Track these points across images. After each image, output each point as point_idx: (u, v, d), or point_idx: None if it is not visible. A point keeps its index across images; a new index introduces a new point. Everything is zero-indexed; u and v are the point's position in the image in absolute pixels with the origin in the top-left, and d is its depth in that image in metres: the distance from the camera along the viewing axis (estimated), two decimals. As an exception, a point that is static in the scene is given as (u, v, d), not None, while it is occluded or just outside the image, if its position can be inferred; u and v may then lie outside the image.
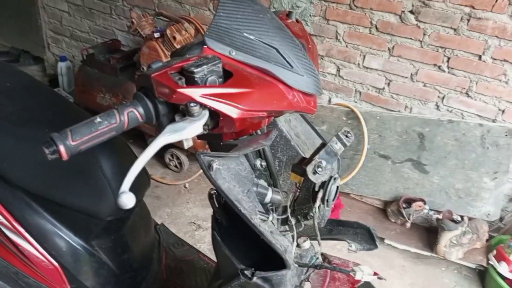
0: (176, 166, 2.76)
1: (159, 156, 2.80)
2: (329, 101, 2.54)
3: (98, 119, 0.62)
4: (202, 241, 2.26)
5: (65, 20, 3.45)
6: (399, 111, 2.36)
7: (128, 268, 1.34)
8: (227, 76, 0.71)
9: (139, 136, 2.84)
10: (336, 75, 2.46)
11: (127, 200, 0.59)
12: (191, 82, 0.67)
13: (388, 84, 2.33)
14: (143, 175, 1.30)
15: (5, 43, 4.16)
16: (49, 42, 3.71)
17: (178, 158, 2.70)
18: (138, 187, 1.27)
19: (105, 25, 3.23)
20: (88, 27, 3.34)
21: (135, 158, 1.27)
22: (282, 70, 0.78)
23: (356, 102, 2.47)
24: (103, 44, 2.87)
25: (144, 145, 2.82)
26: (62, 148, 0.59)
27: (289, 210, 0.99)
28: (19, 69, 1.41)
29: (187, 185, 2.68)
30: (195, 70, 0.66)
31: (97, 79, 2.72)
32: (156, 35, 2.40)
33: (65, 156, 0.60)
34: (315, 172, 0.85)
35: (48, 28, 3.63)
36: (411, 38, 2.16)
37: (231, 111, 0.68)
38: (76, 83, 2.87)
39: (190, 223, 2.38)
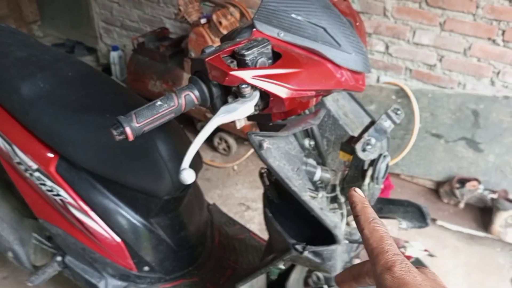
0: (224, 149, 2.82)
1: (208, 140, 2.88)
2: (378, 80, 2.49)
3: (159, 102, 0.67)
4: (252, 222, 2.32)
5: (115, 11, 3.58)
6: (452, 88, 2.28)
7: (185, 244, 1.42)
8: (276, 57, 0.74)
9: (188, 121, 2.93)
10: (384, 53, 2.40)
11: (188, 176, 0.64)
12: (242, 64, 0.70)
13: (440, 60, 2.25)
14: (197, 156, 1.35)
15: (60, 35, 4.39)
16: (101, 33, 3.87)
17: (226, 141, 2.77)
18: (193, 168, 1.32)
19: (153, 13, 3.32)
20: (137, 16, 3.45)
21: (188, 140, 1.34)
22: (330, 49, 0.79)
23: (406, 80, 2.41)
24: (152, 33, 2.96)
25: (193, 129, 2.90)
26: (128, 130, 0.64)
27: (338, 188, 1.01)
28: (78, 59, 1.50)
29: (235, 167, 2.75)
30: (245, 53, 0.69)
31: (148, 67, 2.82)
32: (203, 21, 2.44)
33: (131, 137, 0.65)
34: (364, 150, 0.86)
35: (100, 19, 3.78)
36: (463, 11, 2.07)
37: (280, 91, 0.71)
38: (129, 71, 2.98)
39: (240, 204, 2.45)
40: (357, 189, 0.49)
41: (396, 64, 2.39)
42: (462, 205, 2.23)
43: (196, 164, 1.34)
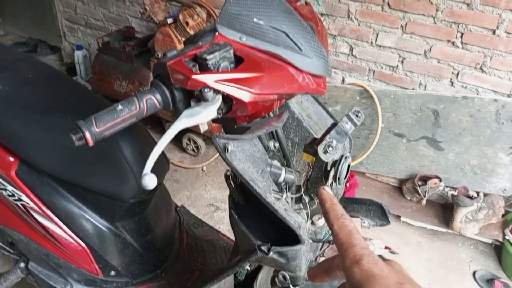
0: (193, 150, 2.81)
1: (177, 141, 2.86)
2: (343, 81, 2.55)
3: (120, 107, 0.67)
4: (221, 222, 2.33)
5: (79, 9, 3.50)
6: (413, 89, 2.36)
7: (151, 247, 1.41)
8: (238, 61, 0.74)
9: (156, 122, 2.90)
10: (349, 55, 2.45)
11: (150, 181, 0.64)
12: (204, 68, 0.70)
13: (402, 62, 2.32)
14: (162, 159, 1.35)
15: (22, 34, 4.25)
16: (65, 31, 3.77)
17: (195, 142, 2.76)
18: (158, 171, 1.31)
19: (118, 12, 3.26)
20: (102, 15, 3.38)
21: (154, 142, 1.33)
22: (292, 54, 0.80)
23: (369, 81, 2.47)
24: (117, 32, 2.91)
25: (161, 130, 2.88)
26: (88, 135, 0.64)
27: (302, 189, 1.03)
28: (38, 60, 1.46)
29: (204, 168, 2.74)
30: (207, 57, 0.69)
31: (113, 67, 2.77)
32: (169, 20, 2.43)
33: (90, 142, 0.64)
34: (326, 152, 0.88)
35: (64, 17, 3.68)
36: (424, 14, 2.14)
37: (243, 95, 0.72)
38: (93, 71, 2.92)
39: (209, 205, 2.44)
40: (326, 187, 0.51)
41: (360, 65, 2.45)
42: (424, 202, 2.31)
43: (162, 166, 1.33)
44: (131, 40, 2.80)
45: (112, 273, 1.34)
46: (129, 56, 2.68)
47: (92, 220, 1.26)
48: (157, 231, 1.43)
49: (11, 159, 1.21)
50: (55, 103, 1.27)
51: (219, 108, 0.73)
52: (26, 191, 1.21)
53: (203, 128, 0.74)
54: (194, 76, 0.67)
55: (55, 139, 1.17)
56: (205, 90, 0.68)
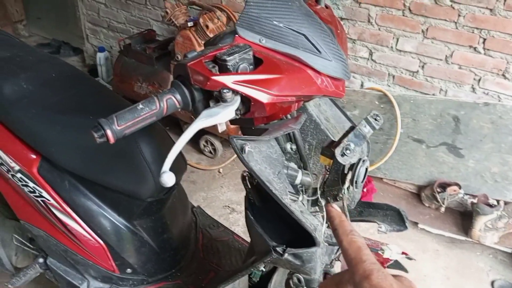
0: (210, 152, 2.83)
1: (194, 142, 2.89)
2: (362, 85, 2.53)
3: (141, 106, 0.68)
4: (236, 224, 2.33)
5: (102, 12, 3.57)
6: (433, 94, 2.33)
7: (168, 247, 1.42)
8: (257, 63, 0.75)
9: (175, 123, 2.93)
10: (368, 59, 2.44)
11: (168, 179, 0.65)
12: (223, 69, 0.71)
13: (422, 67, 2.30)
14: (180, 159, 1.37)
15: (46, 36, 4.35)
16: (88, 34, 3.85)
17: (212, 144, 2.78)
18: (176, 171, 1.32)
19: (140, 15, 3.32)
20: (124, 18, 3.44)
21: (172, 143, 1.35)
22: (311, 56, 0.81)
23: (389, 86, 2.45)
24: (139, 34, 2.96)
25: (179, 131, 2.91)
26: (109, 132, 0.65)
27: (319, 192, 1.03)
28: (61, 60, 1.50)
29: (221, 170, 2.76)
30: (227, 58, 0.70)
31: (134, 69, 2.82)
32: (190, 24, 2.45)
33: (112, 140, 0.66)
34: (343, 154, 0.88)
35: (87, 20, 3.76)
36: (445, 20, 2.12)
37: (261, 96, 0.72)
38: (115, 72, 2.98)
39: (225, 207, 2.45)
40: (334, 205, 0.51)
41: (380, 70, 2.43)
42: (443, 209, 2.28)
43: (180, 166, 1.35)
44: (152, 43, 2.84)
45: (129, 270, 1.35)
46: (150, 59, 2.72)
47: (110, 218, 1.28)
48: (173, 231, 1.44)
49: (33, 156, 1.24)
50: (77, 103, 1.30)
51: (237, 109, 0.74)
52: (47, 188, 1.23)
53: (221, 129, 0.75)
54: (213, 77, 0.68)
55: (76, 138, 1.20)
56: (224, 90, 0.69)
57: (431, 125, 2.27)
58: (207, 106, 0.74)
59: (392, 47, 2.33)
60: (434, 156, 2.32)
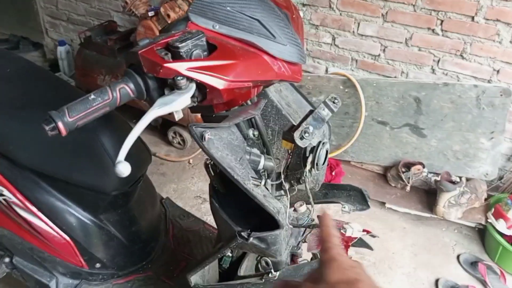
0: (179, 143, 2.81)
1: (163, 134, 2.86)
2: (326, 70, 2.56)
3: (92, 96, 0.67)
4: (209, 214, 2.33)
5: (60, 4, 3.45)
6: (395, 77, 2.38)
7: (137, 239, 1.42)
8: (211, 50, 0.75)
9: (141, 115, 2.89)
10: (331, 44, 2.47)
11: (123, 169, 0.65)
12: (176, 56, 0.71)
13: (384, 51, 2.34)
14: (144, 151, 1.36)
15: (4, 31, 4.17)
16: (47, 27, 3.72)
17: (180, 135, 2.76)
18: (140, 163, 1.32)
19: (100, 7, 3.23)
20: (84, 9, 3.34)
21: (135, 134, 1.32)
22: (265, 41, 0.81)
23: (352, 70, 2.49)
24: (99, 26, 2.88)
25: (148, 125, 2.86)
26: (60, 125, 0.64)
27: (282, 176, 1.04)
28: (17, 55, 1.45)
29: (191, 161, 2.75)
30: (179, 45, 0.70)
31: (96, 61, 2.75)
32: (151, 13, 2.41)
33: (63, 132, 0.65)
34: (302, 138, 0.90)
35: (45, 13, 3.64)
36: (403, 3, 2.16)
37: (216, 82, 0.72)
38: (76, 66, 2.90)
39: (196, 197, 2.45)
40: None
41: (343, 55, 2.46)
42: (408, 188, 2.34)
43: (144, 158, 1.34)
44: (113, 34, 2.77)
45: (98, 265, 1.34)
46: (112, 51, 2.66)
47: (75, 213, 1.26)
48: (142, 223, 1.43)
49: (-9, 154, 1.20)
50: (34, 97, 1.27)
51: (193, 96, 0.74)
52: (8, 186, 1.21)
53: (178, 116, 0.74)
54: (166, 64, 0.68)
55: (35, 133, 1.17)
56: (178, 78, 0.68)
57: (394, 107, 2.33)
58: (162, 94, 0.73)
59: (354, 31, 2.36)
60: (398, 137, 2.38)
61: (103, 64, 2.72)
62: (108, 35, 2.76)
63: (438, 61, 2.24)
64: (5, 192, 1.21)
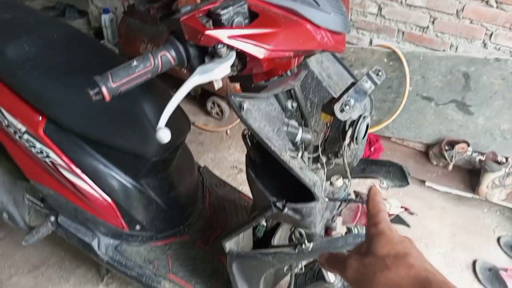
0: (217, 114, 2.83)
1: (201, 104, 2.89)
2: (370, 42, 2.47)
3: (135, 63, 0.68)
4: (244, 184, 2.36)
5: (105, -28, 3.49)
6: (443, 51, 2.27)
7: (175, 204, 1.46)
8: (253, 17, 0.74)
9: (181, 85, 2.92)
10: (377, 15, 2.37)
11: (164, 135, 0.66)
12: (218, 24, 0.70)
13: (433, 22, 2.23)
14: (184, 119, 1.38)
15: (51, -2, 4.29)
16: (92, -5, 3.79)
17: (219, 105, 2.77)
18: (179, 131, 1.35)
19: (144, -26, 3.23)
20: (127, -23, 3.36)
21: (175, 102, 1.34)
22: (309, 9, 0.79)
23: (398, 42, 2.39)
24: (142, -6, 2.90)
25: (187, 94, 2.89)
26: (104, 90, 0.66)
27: (320, 149, 1.03)
28: (64, 22, 1.49)
29: (228, 131, 2.77)
30: (221, 12, 0.69)
31: (139, 30, 2.78)
32: (193, -19, 2.39)
33: (107, 97, 0.66)
34: (342, 110, 0.88)
35: (90, -20, 3.69)
36: (458, -28, 2.04)
37: (257, 51, 0.71)
38: (119, 34, 2.94)
39: (232, 167, 2.48)
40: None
41: (389, 26, 2.37)
42: (450, 167, 2.27)
43: (183, 126, 1.36)
44: (156, 3, 2.78)
45: (137, 227, 1.39)
46: (154, 19, 2.68)
47: (117, 177, 1.31)
48: (180, 189, 1.47)
49: (39, 117, 1.26)
50: (80, 64, 1.30)
51: (233, 65, 0.73)
52: (54, 148, 1.26)
53: (218, 85, 0.74)
54: (207, 32, 0.67)
55: (80, 98, 1.20)
56: (219, 46, 0.68)
57: (441, 83, 2.23)
58: (202, 62, 0.73)
59: (401, 1, 2.26)
60: (443, 114, 2.29)
61: (146, 32, 2.74)
62: (151, 3, 2.78)
63: (491, 34, 2.11)
64: (51, 154, 1.27)
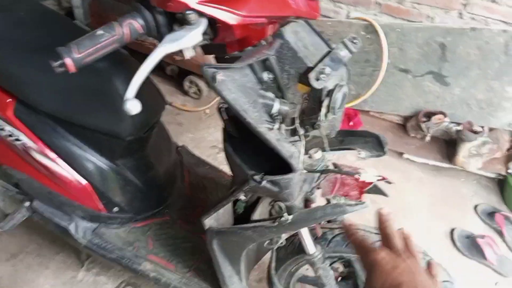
0: (195, 93, 2.79)
1: (179, 83, 2.83)
2: (347, 15, 2.45)
3: (100, 31, 0.65)
4: (224, 163, 2.32)
5: (73, -52, 3.35)
6: (420, 22, 2.26)
7: (153, 184, 1.44)
8: (223, -18, 0.71)
9: (159, 67, 2.85)
10: (354, -13, 2.35)
11: (132, 106, 0.63)
12: (186, -11, 0.67)
13: (409, -6, 2.22)
14: (158, 97, 1.34)
15: (17, -22, 4.11)
16: (61, -27, 3.64)
17: (197, 85, 2.73)
18: (154, 109, 1.31)
19: (113, -50, 3.12)
20: (96, -46, 3.23)
21: (149, 80, 1.31)
22: (281, -27, 0.76)
23: (375, 15, 2.37)
24: (113, -29, 2.79)
25: (162, 73, 2.84)
26: (68, 60, 0.62)
27: (297, 121, 1.02)
28: (33, 0, 1.43)
29: (207, 110, 2.73)
30: (189, -23, 0.66)
31: (112, 8, 2.70)
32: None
33: (72, 68, 0.63)
34: (318, 79, 0.86)
35: (58, -42, 3.54)
36: None
37: (229, 17, 0.69)
38: (92, 14, 2.86)
39: (212, 147, 2.46)
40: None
41: (366, -2, 2.35)
42: (428, 138, 2.29)
43: (158, 104, 1.33)
44: (127, -21, 2.69)
45: (116, 209, 1.37)
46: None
47: (92, 158, 1.28)
48: (158, 169, 1.44)
49: (8, 99, 1.21)
50: (50, 42, 1.23)
51: (205, 34, 0.71)
52: (25, 131, 1.22)
53: (189, 54, 0.71)
54: (174, -3, 0.64)
55: (50, 77, 1.16)
56: (188, 12, 0.65)
57: (418, 54, 2.23)
58: (172, 31, 0.70)
59: (377, -28, 2.24)
60: (420, 85, 2.30)
61: (118, 10, 2.65)
62: (122, -20, 2.69)
63: (466, 4, 2.11)
64: (23, 137, 1.23)
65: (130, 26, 0.67)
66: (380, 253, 0.51)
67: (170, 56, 2.60)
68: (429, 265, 0.57)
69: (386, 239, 0.55)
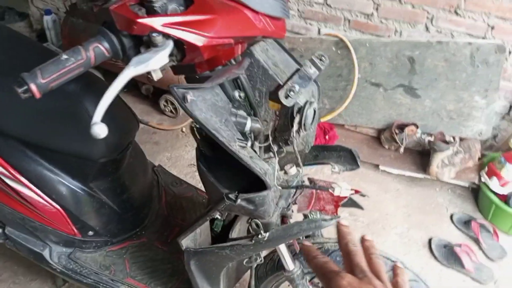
0: (171, 112, 2.78)
1: (154, 103, 2.82)
2: (319, 32, 2.50)
3: (65, 56, 0.64)
4: (203, 181, 2.33)
5: (44, -29, 3.34)
6: (388, 36, 2.33)
7: (129, 206, 1.41)
8: (188, 4, 0.72)
9: (134, 86, 2.84)
10: (323, 4, 2.40)
11: (99, 130, 0.63)
12: (151, 12, 0.67)
13: (377, 9, 2.28)
14: (131, 118, 1.33)
15: (-13, 1, 4.06)
16: (32, -4, 3.61)
17: (172, 103, 2.72)
18: (127, 130, 1.30)
19: (84, -28, 3.12)
20: (68, -24, 3.23)
21: (120, 101, 1.30)
22: (246, -5, 0.78)
23: (345, 31, 2.43)
24: (84, -7, 2.79)
25: (138, 93, 2.83)
26: (33, 87, 0.62)
27: (270, 138, 1.03)
28: (1, 24, 1.41)
29: (184, 129, 2.72)
30: None
31: (83, 29, 2.68)
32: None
33: (37, 94, 0.62)
34: (287, 96, 0.87)
35: (28, -19, 3.52)
36: (397, -42, 2.09)
37: (195, 39, 0.69)
38: (63, 35, 2.83)
39: (190, 165, 2.44)
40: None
41: (335, 15, 2.40)
42: (402, 149, 2.33)
43: (131, 124, 1.31)
44: (98, 0, 2.68)
45: (90, 233, 1.34)
46: (98, 17, 2.58)
47: (64, 182, 1.25)
48: (133, 191, 1.42)
49: (-25, 124, 1.18)
50: (16, 65, 1.22)
51: (172, 55, 0.71)
52: (-7, 156, 1.19)
53: (157, 76, 0.71)
54: (139, 20, 0.65)
55: (18, 101, 1.13)
56: (153, 34, 0.65)
57: (388, 68, 2.29)
58: (139, 53, 0.70)
59: (346, -10, 2.30)
60: (392, 98, 2.36)
61: (90, 31, 2.64)
62: (94, 1, 2.68)
63: (432, 18, 2.18)
64: (-9, 162, 1.20)
65: (96, 50, 0.67)
66: (344, 278, 0.49)
67: (144, 76, 2.59)
68: (393, 268, 0.57)
69: (347, 257, 0.54)
